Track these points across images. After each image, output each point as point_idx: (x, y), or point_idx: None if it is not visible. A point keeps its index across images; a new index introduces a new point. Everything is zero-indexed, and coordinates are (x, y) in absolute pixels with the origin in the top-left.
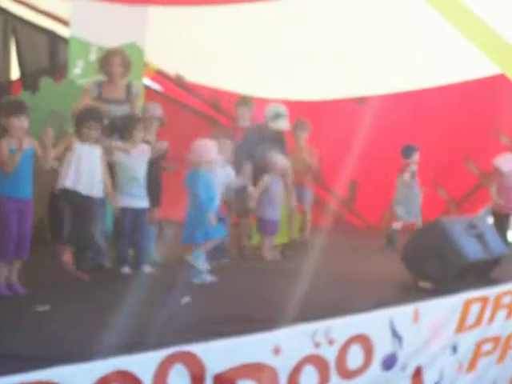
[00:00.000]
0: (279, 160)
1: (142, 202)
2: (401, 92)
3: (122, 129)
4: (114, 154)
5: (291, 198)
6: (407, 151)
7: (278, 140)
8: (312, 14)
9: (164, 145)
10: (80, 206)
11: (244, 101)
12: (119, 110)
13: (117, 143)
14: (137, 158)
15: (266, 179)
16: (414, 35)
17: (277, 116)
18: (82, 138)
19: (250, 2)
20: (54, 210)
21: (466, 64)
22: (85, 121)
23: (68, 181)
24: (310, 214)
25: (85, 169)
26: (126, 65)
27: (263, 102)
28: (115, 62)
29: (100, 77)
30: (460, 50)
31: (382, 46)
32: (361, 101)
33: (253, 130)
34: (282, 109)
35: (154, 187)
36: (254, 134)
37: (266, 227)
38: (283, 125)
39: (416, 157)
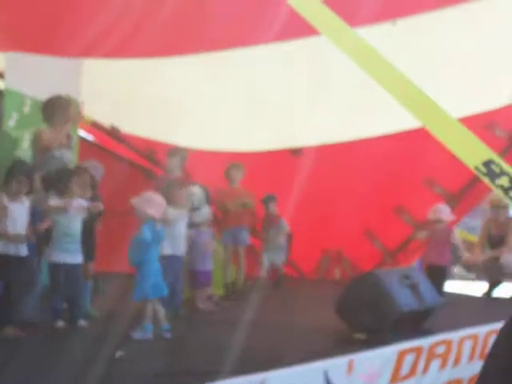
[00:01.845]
0: (207, 214)
1: (76, 257)
2: (334, 143)
3: (57, 182)
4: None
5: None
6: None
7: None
8: (247, 67)
9: (99, 207)
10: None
11: (175, 152)
12: (65, 154)
13: (54, 202)
14: (73, 215)
15: (191, 233)
16: (346, 85)
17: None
18: (11, 192)
19: (185, 55)
20: None
21: (399, 115)
22: (14, 177)
23: None
24: (245, 258)
25: (16, 228)
26: (78, 112)
27: (200, 153)
28: (72, 108)
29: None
30: (388, 103)
31: (315, 96)
32: (296, 152)
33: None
34: (199, 198)
35: (88, 241)
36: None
37: (198, 278)
38: (203, 214)
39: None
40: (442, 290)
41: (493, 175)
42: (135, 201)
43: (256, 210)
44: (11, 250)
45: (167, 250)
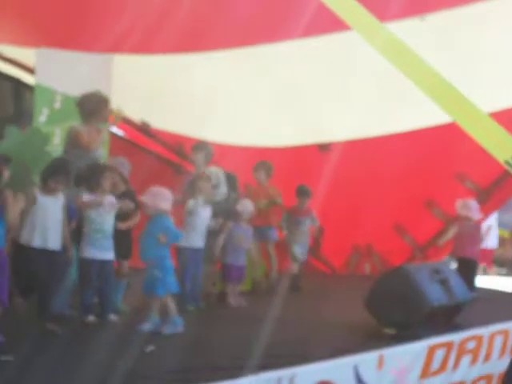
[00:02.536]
0: (245, 207)
1: (108, 253)
2: (364, 138)
3: (88, 178)
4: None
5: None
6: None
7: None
8: (276, 62)
9: (130, 205)
10: (33, 259)
11: (199, 146)
12: (99, 153)
13: (88, 199)
14: (104, 211)
15: (229, 226)
16: (375, 81)
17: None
18: (48, 191)
19: (215, 50)
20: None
21: (429, 110)
22: (53, 175)
23: (24, 235)
24: (275, 255)
25: (46, 221)
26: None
27: (229, 148)
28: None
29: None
30: (419, 98)
31: (341, 91)
32: (324, 147)
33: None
34: (217, 179)
35: (123, 239)
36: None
37: (230, 273)
38: (221, 193)
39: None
40: (473, 284)
41: None
42: (145, 197)
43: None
44: (47, 243)
45: (188, 241)
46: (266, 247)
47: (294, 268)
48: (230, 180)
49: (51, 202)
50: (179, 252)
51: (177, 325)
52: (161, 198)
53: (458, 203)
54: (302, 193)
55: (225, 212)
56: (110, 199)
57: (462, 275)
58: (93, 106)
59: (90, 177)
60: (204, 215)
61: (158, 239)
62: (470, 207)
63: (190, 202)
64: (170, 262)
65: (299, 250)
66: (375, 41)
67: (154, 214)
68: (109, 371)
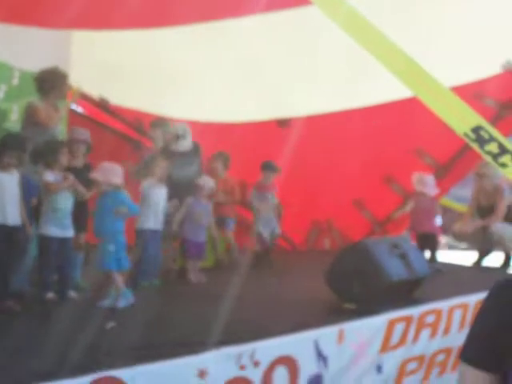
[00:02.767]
0: (206, 182)
1: (67, 231)
2: (323, 114)
3: (45, 154)
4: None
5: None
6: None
7: (192, 154)
8: (236, 38)
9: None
10: None
11: (157, 122)
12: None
13: (50, 178)
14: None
15: (189, 201)
16: (336, 55)
17: (178, 138)
18: (2, 167)
19: (175, 26)
20: None
21: (386, 86)
22: (7, 150)
23: None
24: (233, 237)
25: (3, 197)
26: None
27: (190, 123)
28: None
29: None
30: (380, 72)
31: (302, 66)
32: (283, 123)
33: (164, 150)
34: (182, 129)
35: (80, 213)
36: (165, 153)
37: (190, 249)
38: (186, 144)
39: (271, 174)
40: (435, 257)
41: (482, 141)
42: (96, 173)
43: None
44: (6, 219)
45: (146, 223)
46: (224, 233)
47: (261, 244)
48: (195, 148)
49: (7, 178)
50: (137, 234)
51: (128, 297)
52: (112, 173)
53: (415, 177)
54: (267, 167)
55: (188, 180)
56: (67, 175)
57: (422, 249)
58: (51, 82)
59: (48, 153)
60: (160, 196)
61: (115, 213)
62: (425, 182)
63: (145, 184)
64: (124, 238)
65: (264, 227)
66: (336, 15)
67: (107, 189)
68: (70, 349)
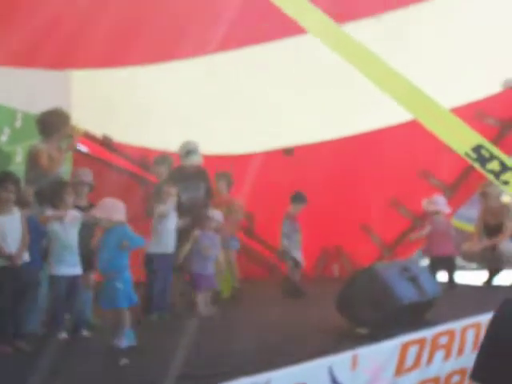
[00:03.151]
0: (215, 215)
1: (75, 268)
2: (327, 140)
3: (51, 195)
4: (48, 224)
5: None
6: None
7: (199, 177)
8: (229, 68)
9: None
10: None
11: (161, 159)
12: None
13: (50, 213)
14: (69, 226)
15: (196, 234)
16: (335, 82)
17: (188, 152)
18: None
19: (169, 61)
20: None
21: (389, 109)
22: (1, 184)
23: None
24: (235, 261)
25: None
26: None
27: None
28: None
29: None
30: (379, 98)
31: (303, 95)
32: (288, 151)
33: (173, 173)
34: (193, 144)
35: (87, 251)
36: (174, 176)
37: (198, 282)
38: (196, 159)
39: (301, 205)
40: (453, 280)
41: (483, 160)
42: (97, 211)
43: (245, 217)
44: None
45: (158, 247)
46: (227, 255)
47: (296, 274)
48: (202, 172)
49: (6, 220)
50: (148, 259)
51: (131, 338)
52: (114, 209)
53: (424, 202)
54: (298, 199)
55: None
56: (73, 213)
57: (440, 272)
58: (53, 123)
59: (53, 193)
60: (172, 219)
61: (120, 248)
62: (437, 202)
63: (160, 207)
64: (129, 273)
65: (299, 256)
66: (330, 42)
67: (109, 225)
68: None
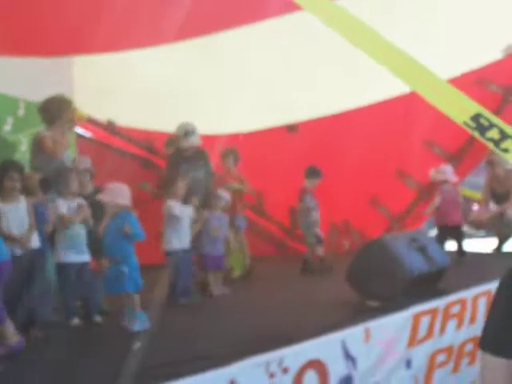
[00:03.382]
0: (223, 195)
1: (84, 255)
2: (331, 115)
3: (56, 182)
4: (56, 213)
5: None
6: (309, 173)
7: (198, 157)
8: (231, 47)
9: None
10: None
11: (172, 140)
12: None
13: (63, 209)
14: (75, 213)
15: (205, 215)
16: (334, 56)
17: (187, 133)
18: (5, 194)
19: (173, 42)
20: None
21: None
22: (6, 173)
23: None
24: (246, 240)
25: (6, 228)
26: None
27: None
28: (72, 109)
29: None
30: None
31: (303, 70)
32: (291, 128)
33: (172, 155)
34: (191, 125)
35: (96, 238)
36: (174, 158)
37: (209, 263)
38: (195, 140)
39: (316, 180)
40: (462, 249)
41: (482, 128)
42: (103, 195)
43: (253, 193)
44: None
45: (177, 244)
46: (236, 237)
47: (318, 250)
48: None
49: (11, 208)
50: (169, 255)
51: (143, 321)
52: (119, 194)
53: (432, 172)
54: (313, 173)
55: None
56: (79, 202)
57: (445, 241)
58: (55, 110)
59: (58, 180)
60: (187, 215)
61: (123, 231)
62: (444, 171)
63: (175, 208)
64: (136, 259)
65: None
66: (324, 16)
67: (115, 210)
68: (97, 371)
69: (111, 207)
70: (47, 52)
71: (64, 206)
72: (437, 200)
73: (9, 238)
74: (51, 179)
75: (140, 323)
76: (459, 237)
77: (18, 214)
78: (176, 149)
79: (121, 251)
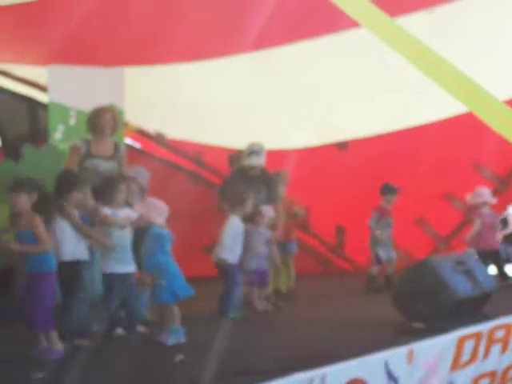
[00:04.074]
0: (267, 211)
1: (129, 266)
2: (381, 134)
3: (103, 192)
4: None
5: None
6: (384, 190)
7: (261, 180)
8: (285, 62)
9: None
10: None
11: (236, 156)
12: (108, 166)
13: (109, 216)
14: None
15: (247, 230)
16: (389, 75)
17: (251, 153)
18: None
19: (223, 57)
20: None
21: (443, 102)
22: (73, 188)
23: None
24: (293, 263)
25: (67, 239)
26: (116, 121)
27: None
28: (108, 118)
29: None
30: (433, 90)
31: (357, 89)
32: (342, 146)
33: (234, 173)
34: (258, 146)
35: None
36: (235, 177)
37: (252, 278)
38: (256, 160)
39: (393, 197)
40: (504, 273)
41: None
42: (141, 208)
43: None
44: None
45: (231, 258)
46: (285, 260)
47: (375, 269)
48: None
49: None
50: (224, 269)
51: (179, 334)
52: (156, 211)
53: (469, 196)
54: (389, 190)
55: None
56: (127, 211)
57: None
58: (97, 119)
59: (105, 190)
60: (240, 229)
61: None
62: (482, 193)
63: (236, 221)
64: (174, 267)
65: (384, 253)
66: (386, 36)
67: (147, 225)
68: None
69: (144, 221)
70: (100, 61)
71: (108, 210)
72: (476, 224)
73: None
74: (99, 188)
75: (175, 337)
76: (498, 261)
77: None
78: (238, 168)
79: (156, 264)
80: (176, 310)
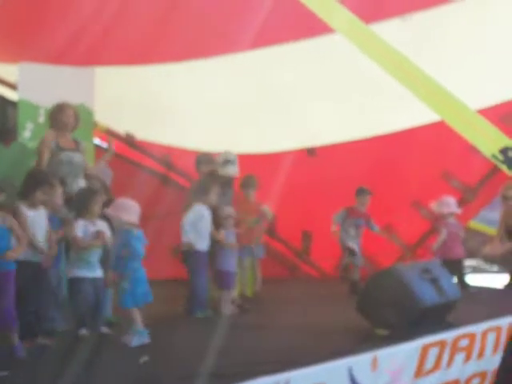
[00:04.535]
0: (232, 213)
1: (97, 270)
2: (350, 141)
3: (78, 204)
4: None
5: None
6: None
7: (229, 185)
8: (256, 67)
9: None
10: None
11: (203, 158)
12: (79, 158)
13: (82, 234)
14: (93, 236)
15: (223, 234)
16: (359, 82)
17: (226, 162)
18: (33, 202)
19: (195, 59)
20: None
21: (412, 110)
22: (39, 186)
23: None
24: (259, 267)
25: (35, 235)
26: (77, 118)
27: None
28: (69, 114)
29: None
30: (406, 97)
31: (329, 94)
32: (311, 151)
33: (206, 177)
34: (232, 155)
35: (109, 251)
36: (207, 180)
37: (223, 279)
38: (233, 171)
39: (365, 199)
40: (464, 283)
41: (510, 162)
42: (109, 209)
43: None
44: (34, 257)
45: (200, 245)
46: (252, 263)
47: (348, 261)
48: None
49: (36, 214)
50: (190, 255)
51: (143, 336)
52: (125, 210)
53: (434, 204)
54: (361, 192)
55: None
56: (99, 225)
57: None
58: (58, 115)
59: (80, 202)
60: (209, 217)
61: (122, 253)
62: (448, 203)
63: (201, 208)
64: (141, 273)
65: (355, 245)
66: (358, 42)
67: (118, 226)
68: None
69: (116, 222)
70: (70, 60)
71: (80, 229)
72: (443, 234)
73: (31, 245)
74: (74, 200)
75: (138, 338)
76: (461, 271)
77: (40, 220)
78: (210, 172)
79: (121, 268)
80: (136, 313)
